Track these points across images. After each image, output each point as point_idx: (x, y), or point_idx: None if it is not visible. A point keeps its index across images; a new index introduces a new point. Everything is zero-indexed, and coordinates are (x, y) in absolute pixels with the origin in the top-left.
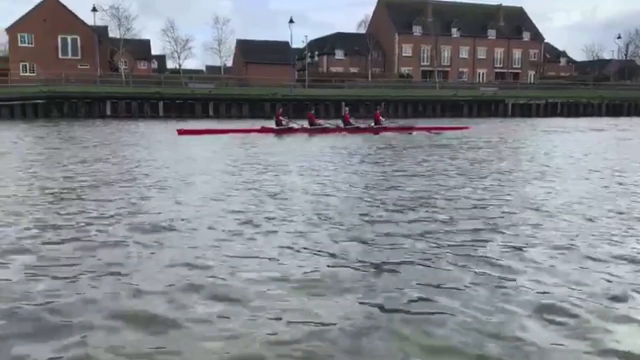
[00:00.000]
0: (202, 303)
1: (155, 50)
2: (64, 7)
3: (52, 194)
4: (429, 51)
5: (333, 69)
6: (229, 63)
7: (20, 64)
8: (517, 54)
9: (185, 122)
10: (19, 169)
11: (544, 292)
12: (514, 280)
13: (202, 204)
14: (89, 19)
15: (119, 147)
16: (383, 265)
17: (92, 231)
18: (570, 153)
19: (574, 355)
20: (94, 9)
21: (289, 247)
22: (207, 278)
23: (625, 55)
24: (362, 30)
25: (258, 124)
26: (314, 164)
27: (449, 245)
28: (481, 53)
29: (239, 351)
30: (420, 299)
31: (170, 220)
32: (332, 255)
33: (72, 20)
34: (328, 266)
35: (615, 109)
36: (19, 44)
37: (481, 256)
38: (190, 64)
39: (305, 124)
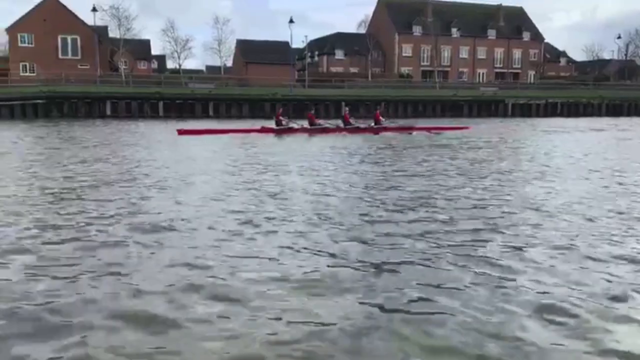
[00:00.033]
0: (202, 303)
1: (155, 50)
2: (64, 7)
3: (51, 193)
4: (429, 51)
5: (333, 69)
6: (229, 63)
7: (20, 64)
8: (517, 54)
9: (185, 122)
10: (19, 169)
11: (544, 292)
12: (514, 280)
13: (202, 203)
14: (89, 19)
15: (118, 147)
16: (383, 265)
17: (92, 231)
18: (570, 153)
19: (574, 355)
20: (94, 9)
21: (288, 247)
22: (206, 278)
23: (625, 55)
24: (362, 30)
25: (258, 124)
26: (314, 164)
27: (449, 245)
28: (481, 53)
29: (239, 351)
30: (420, 299)
31: (170, 220)
32: (332, 255)
33: (72, 20)
34: (328, 266)
35: (615, 109)
36: (19, 44)
37: (481, 256)
38: (190, 64)
39: (305, 124)
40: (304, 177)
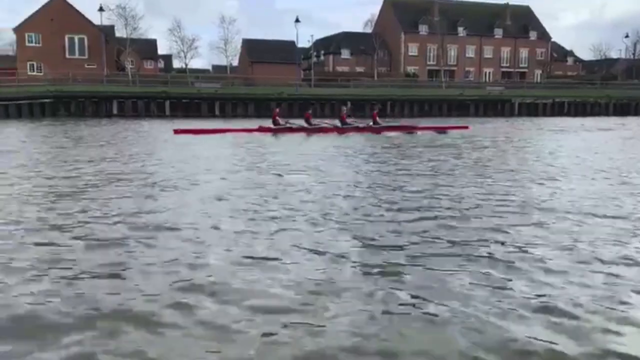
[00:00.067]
0: (202, 303)
1: (161, 50)
2: (71, 6)
3: (55, 192)
4: (435, 50)
5: (339, 69)
6: (235, 62)
7: (28, 64)
8: (523, 53)
9: (192, 121)
10: (26, 167)
11: (548, 294)
12: (517, 280)
13: (202, 203)
14: (95, 18)
15: (122, 146)
16: (385, 266)
17: (92, 231)
18: (576, 152)
19: (577, 357)
20: (101, 9)
21: (289, 248)
22: (206, 278)
23: (633, 54)
24: (368, 30)
25: (264, 123)
26: (312, 163)
27: (451, 245)
28: (488, 52)
29: (239, 352)
30: (422, 298)
31: (169, 220)
32: (333, 255)
33: (79, 20)
34: (329, 266)
35: (622, 109)
36: (27, 44)
37: (484, 256)
38: (196, 63)
39: (302, 123)
40: (303, 176)
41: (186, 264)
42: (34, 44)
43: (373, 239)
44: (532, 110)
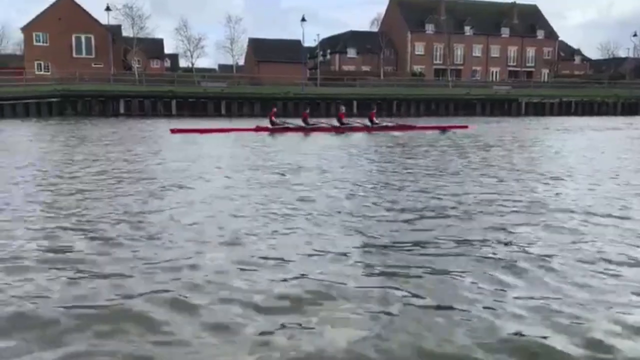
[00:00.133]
0: (202, 303)
1: (168, 49)
2: (79, 6)
3: (57, 191)
4: (441, 49)
5: (345, 68)
6: (241, 62)
7: (35, 63)
8: (530, 52)
9: (198, 120)
10: (30, 166)
11: (552, 295)
12: (522, 281)
13: (200, 203)
14: (102, 18)
15: (125, 146)
16: (386, 266)
17: (93, 230)
18: (582, 152)
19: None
20: (108, 8)
21: (290, 247)
22: (207, 278)
23: None
24: (375, 29)
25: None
26: (312, 163)
27: (455, 245)
28: (494, 51)
29: (240, 352)
30: (424, 299)
31: (169, 220)
32: (334, 255)
33: (86, 20)
34: (330, 266)
35: (630, 108)
36: (34, 43)
37: (488, 256)
38: (202, 62)
39: (300, 123)
40: (304, 176)
41: (187, 263)
42: (41, 44)
43: (375, 238)
44: (539, 109)
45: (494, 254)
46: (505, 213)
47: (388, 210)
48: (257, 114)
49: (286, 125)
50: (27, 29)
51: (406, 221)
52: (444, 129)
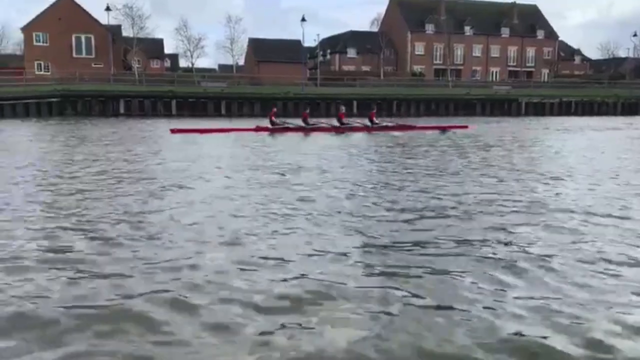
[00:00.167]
0: (203, 303)
1: (168, 49)
2: (79, 6)
3: (56, 192)
4: (441, 49)
5: (345, 68)
6: (241, 62)
7: (35, 63)
8: (530, 52)
9: (198, 120)
10: (31, 166)
11: (552, 295)
12: (522, 281)
13: (200, 203)
14: (102, 18)
15: (125, 146)
16: (386, 266)
17: (94, 229)
18: (582, 152)
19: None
20: (108, 8)
21: (290, 247)
22: (207, 278)
23: None
24: (375, 29)
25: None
26: (312, 163)
27: (455, 245)
28: (494, 51)
29: (240, 352)
30: (425, 299)
31: (170, 219)
32: (334, 255)
33: (86, 20)
34: (331, 266)
35: (630, 108)
36: (34, 43)
37: (488, 257)
38: (202, 62)
39: (300, 123)
40: (305, 176)
41: (186, 263)
42: (41, 44)
43: (375, 238)
44: (539, 109)
45: (494, 254)
46: (505, 213)
47: (388, 210)
48: (257, 114)
49: (286, 125)
50: (27, 29)
51: (406, 221)
52: (443, 129)
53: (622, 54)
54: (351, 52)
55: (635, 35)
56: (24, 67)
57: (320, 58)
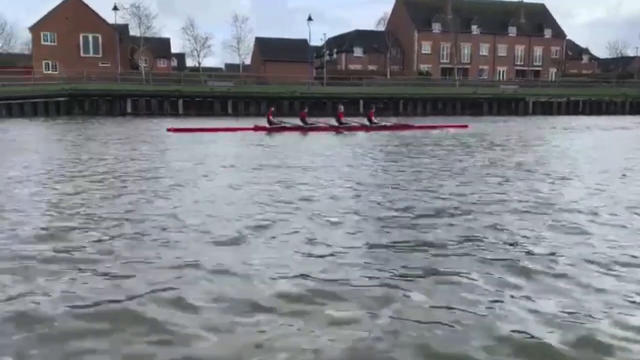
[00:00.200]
0: (203, 303)
1: (175, 49)
2: (86, 5)
3: (60, 191)
4: (448, 48)
5: (351, 67)
6: (248, 61)
7: (43, 62)
8: (538, 51)
9: (205, 119)
10: (34, 166)
11: (552, 295)
12: (521, 281)
13: (200, 202)
14: (109, 17)
15: (126, 145)
16: (386, 266)
17: (92, 230)
18: (590, 152)
19: None
20: (115, 8)
21: (292, 247)
22: (208, 277)
23: None
24: (381, 28)
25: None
26: (307, 163)
27: (454, 244)
28: (501, 50)
29: (240, 351)
30: (427, 299)
31: (171, 219)
32: (337, 255)
33: (93, 19)
34: (333, 266)
35: (639, 107)
36: (42, 43)
37: (487, 257)
38: (209, 62)
39: (298, 122)
40: (300, 175)
41: (186, 263)
42: (49, 43)
43: (375, 238)
44: (547, 109)
45: (495, 253)
46: (507, 212)
47: (388, 209)
48: (264, 113)
49: (284, 125)
50: (35, 29)
51: (406, 220)
52: (444, 129)
53: (630, 53)
54: (357, 52)
55: None
56: (32, 66)
57: (327, 57)
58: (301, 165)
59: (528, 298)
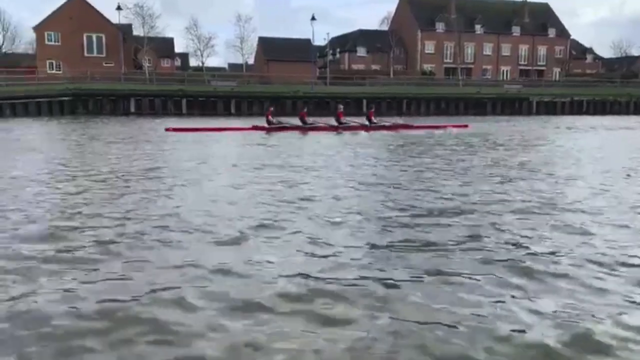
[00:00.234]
0: (204, 303)
1: (178, 48)
2: (90, 5)
3: (62, 190)
4: (452, 48)
5: (355, 66)
6: (251, 61)
7: (47, 62)
8: (542, 50)
9: (208, 119)
10: (41, 165)
11: (553, 295)
12: (522, 281)
13: (201, 203)
14: (113, 17)
15: (128, 145)
16: (386, 266)
17: (92, 230)
18: (594, 152)
19: None
20: (119, 8)
21: (293, 248)
22: (208, 277)
23: None
24: (385, 27)
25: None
26: (305, 162)
27: (454, 244)
28: (505, 50)
29: (240, 351)
30: (428, 299)
31: (171, 219)
32: (338, 255)
33: (97, 19)
34: (334, 267)
35: None
36: (46, 42)
37: (487, 257)
38: (212, 61)
39: (297, 122)
40: (299, 175)
41: (186, 263)
42: (53, 43)
43: (376, 238)
44: (551, 108)
45: (496, 254)
46: (510, 212)
47: (389, 209)
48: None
49: (283, 125)
50: (39, 29)
51: (407, 220)
52: (443, 128)
53: (634, 52)
54: (361, 51)
55: None
56: (36, 66)
57: (330, 57)
58: (302, 164)
59: (529, 298)
